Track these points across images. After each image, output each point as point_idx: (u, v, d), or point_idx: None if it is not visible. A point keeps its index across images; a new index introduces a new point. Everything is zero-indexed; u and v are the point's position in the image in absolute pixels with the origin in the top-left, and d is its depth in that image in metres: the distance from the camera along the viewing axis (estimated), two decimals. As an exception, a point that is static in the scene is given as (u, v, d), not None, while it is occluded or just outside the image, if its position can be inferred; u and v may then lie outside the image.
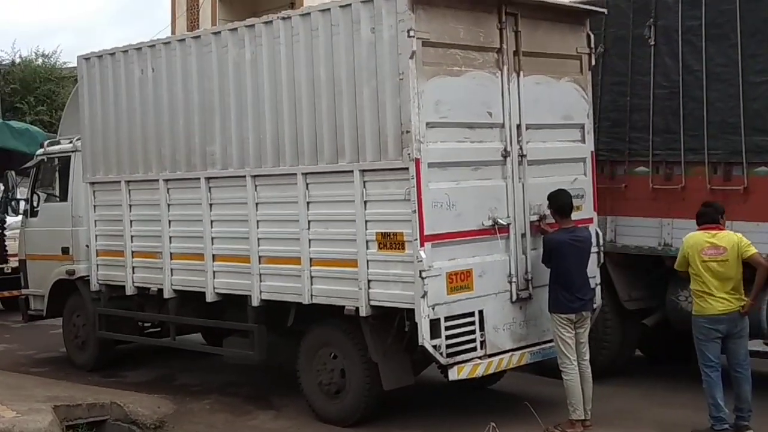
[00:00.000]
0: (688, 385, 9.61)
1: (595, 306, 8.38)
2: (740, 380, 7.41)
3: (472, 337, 7.52)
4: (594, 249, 8.24)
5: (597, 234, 8.50)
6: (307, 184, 8.06)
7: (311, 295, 8.07)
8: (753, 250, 7.36)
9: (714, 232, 7.40)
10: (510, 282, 7.85)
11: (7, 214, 13.37)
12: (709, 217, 7.52)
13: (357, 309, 7.67)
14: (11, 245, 13.79)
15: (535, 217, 8.04)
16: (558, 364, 7.85)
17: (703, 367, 7.43)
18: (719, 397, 7.35)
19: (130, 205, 9.91)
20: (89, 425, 8.41)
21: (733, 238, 7.39)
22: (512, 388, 9.31)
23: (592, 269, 8.24)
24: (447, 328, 7.32)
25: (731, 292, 7.32)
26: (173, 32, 25.70)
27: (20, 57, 32.70)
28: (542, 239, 7.92)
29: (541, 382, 9.42)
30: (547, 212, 8.02)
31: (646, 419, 8.26)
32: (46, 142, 12.08)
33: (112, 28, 65.83)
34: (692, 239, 7.48)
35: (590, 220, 8.40)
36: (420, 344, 7.23)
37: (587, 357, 7.90)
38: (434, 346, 7.24)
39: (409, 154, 7.18)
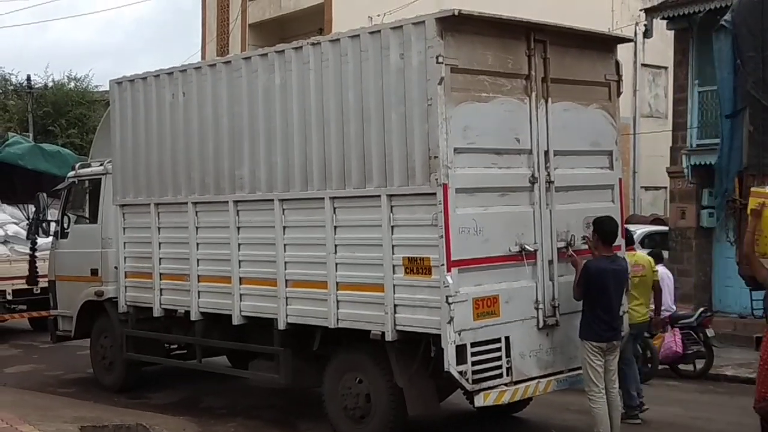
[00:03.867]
0: (711, 414, 9.52)
1: (623, 334, 8.32)
2: (632, 364, 9.17)
3: (498, 363, 7.47)
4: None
5: (625, 261, 8.45)
6: (334, 209, 8.08)
7: (337, 319, 8.07)
8: (657, 276, 9.43)
9: (633, 253, 9.09)
10: (537, 308, 7.81)
11: (38, 236, 13.49)
12: (631, 240, 9.17)
13: (383, 334, 7.66)
14: (41, 266, 13.91)
15: (562, 244, 8.01)
16: (585, 392, 7.80)
17: (620, 363, 8.37)
18: (633, 388, 8.99)
19: (159, 228, 9.98)
20: (115, 446, 8.44)
21: (647, 258, 9.32)
22: (538, 415, 9.24)
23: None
24: (473, 354, 7.29)
25: (644, 304, 9.14)
26: (203, 57, 26.00)
27: (53, 81, 33.22)
28: (583, 264, 7.79)
29: (567, 410, 9.35)
30: (575, 240, 7.97)
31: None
32: (77, 165, 12.22)
33: (148, 53, 66.88)
34: None
35: (618, 248, 8.34)
36: (446, 370, 7.20)
37: (616, 385, 7.85)
38: (460, 372, 7.21)
39: (436, 179, 7.19)
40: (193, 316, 9.56)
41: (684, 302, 16.82)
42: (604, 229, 7.83)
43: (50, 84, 33.56)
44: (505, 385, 7.51)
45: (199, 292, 9.48)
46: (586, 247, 8.01)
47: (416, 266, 7.47)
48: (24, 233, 14.64)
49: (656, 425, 9.07)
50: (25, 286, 14.67)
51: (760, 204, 7.14)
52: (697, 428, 9.11)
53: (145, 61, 74.90)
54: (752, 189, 7.63)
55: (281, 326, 8.58)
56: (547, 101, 7.96)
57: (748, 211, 7.29)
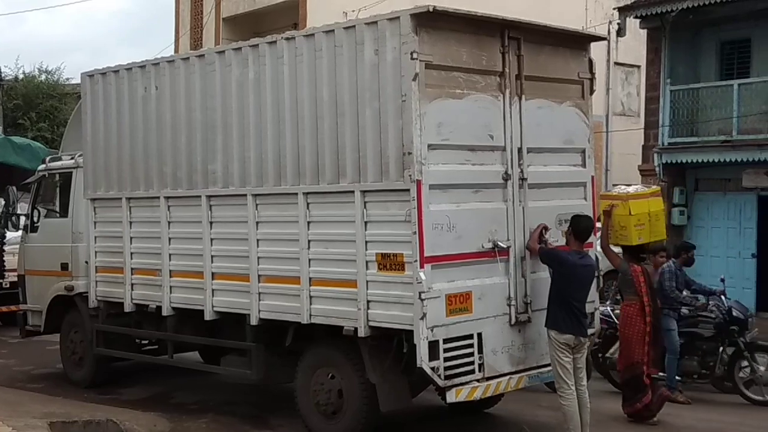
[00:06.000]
0: (680, 411, 9.63)
1: (592, 331, 8.38)
2: None
3: (470, 359, 7.50)
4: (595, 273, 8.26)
5: (597, 259, 8.51)
6: (307, 204, 8.07)
7: (310, 315, 8.06)
8: None
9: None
10: (509, 305, 7.84)
11: (7, 229, 13.34)
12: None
13: (355, 329, 7.66)
14: (10, 260, 13.77)
15: (534, 241, 8.04)
16: (555, 389, 7.84)
17: None
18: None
19: (131, 222, 9.91)
20: (85, 442, 8.38)
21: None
22: (509, 411, 9.29)
23: (592, 294, 8.25)
24: (445, 350, 7.30)
25: None
26: (176, 51, 25.84)
27: (23, 73, 32.86)
28: (548, 253, 7.86)
29: (538, 406, 9.42)
30: (547, 235, 8.02)
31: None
32: (47, 158, 12.10)
33: (124, 47, 66.34)
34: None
35: (590, 245, 8.39)
36: (418, 366, 7.21)
37: (585, 382, 7.89)
38: (432, 368, 7.22)
39: (410, 175, 7.19)
40: (165, 312, 9.51)
41: (654, 299, 16.98)
42: (579, 226, 7.90)
43: (21, 76, 33.20)
44: (477, 381, 7.54)
45: (171, 287, 9.43)
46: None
47: (389, 262, 7.47)
48: (-7, 227, 14.45)
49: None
50: (-6, 281, 14.51)
51: (609, 205, 8.85)
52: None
53: (120, 54, 74.33)
54: (601, 194, 9.32)
55: (254, 322, 8.55)
56: (520, 98, 7.98)
57: (600, 213, 8.92)
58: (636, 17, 18.21)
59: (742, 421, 9.34)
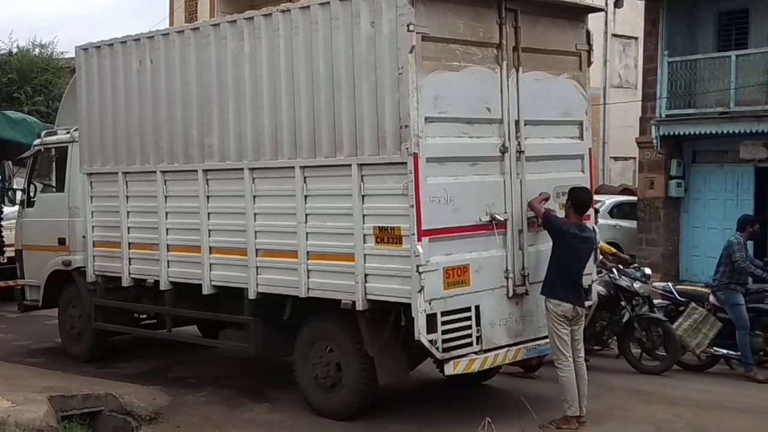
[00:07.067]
0: (678, 382, 9.68)
1: (589, 303, 8.40)
2: None
3: (468, 332, 7.52)
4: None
5: (595, 231, 8.51)
6: (304, 178, 8.05)
7: (308, 289, 8.07)
8: None
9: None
10: (507, 278, 7.85)
11: (4, 204, 13.32)
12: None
13: (353, 303, 7.67)
14: (8, 235, 13.76)
15: (531, 214, 8.05)
16: (553, 361, 7.88)
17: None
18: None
19: (127, 197, 9.88)
20: (84, 416, 8.40)
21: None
22: (507, 383, 9.34)
23: (590, 266, 8.27)
24: (443, 323, 7.32)
25: None
26: (171, 24, 25.69)
27: (17, 47, 32.61)
28: (552, 218, 7.85)
29: (536, 379, 9.46)
30: (546, 205, 8.02)
31: (638, 416, 8.30)
32: (43, 133, 12.04)
33: (119, 20, 65.84)
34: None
35: (588, 217, 8.39)
36: (416, 339, 7.23)
37: (582, 354, 7.92)
38: (430, 341, 7.25)
39: (407, 148, 7.17)
40: (163, 286, 9.51)
41: (652, 271, 17.04)
42: (578, 198, 7.89)
43: (15, 50, 32.96)
44: (475, 353, 7.57)
45: (168, 261, 9.42)
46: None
47: (387, 236, 7.47)
48: (-11, 202, 14.43)
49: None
50: (-9, 256, 14.50)
51: None
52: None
53: (114, 27, 73.67)
54: None
55: (251, 296, 8.56)
56: (518, 70, 7.95)
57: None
58: (634, -12, 18.11)
59: (736, 392, 9.39)
